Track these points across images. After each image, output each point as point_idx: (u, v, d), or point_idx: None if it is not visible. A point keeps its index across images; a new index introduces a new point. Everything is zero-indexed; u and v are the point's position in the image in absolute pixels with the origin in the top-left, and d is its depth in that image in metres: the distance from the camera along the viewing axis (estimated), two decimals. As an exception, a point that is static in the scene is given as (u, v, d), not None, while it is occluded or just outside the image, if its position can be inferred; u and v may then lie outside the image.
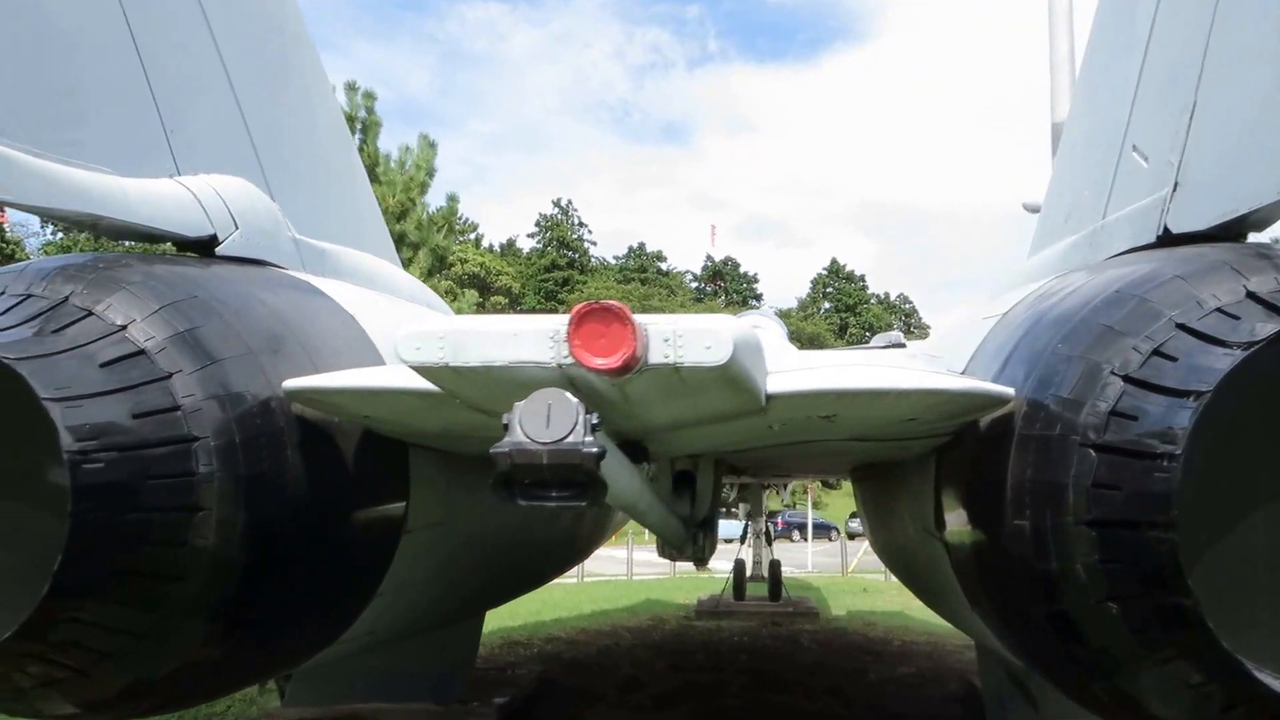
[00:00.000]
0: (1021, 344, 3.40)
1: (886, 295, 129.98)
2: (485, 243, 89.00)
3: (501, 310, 62.65)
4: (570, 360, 2.48)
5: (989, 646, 4.61)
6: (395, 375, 3.17)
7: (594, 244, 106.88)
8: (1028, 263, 5.05)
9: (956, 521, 3.68)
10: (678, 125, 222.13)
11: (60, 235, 77.94)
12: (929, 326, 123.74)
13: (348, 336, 4.05)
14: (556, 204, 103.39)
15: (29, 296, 3.23)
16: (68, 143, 3.46)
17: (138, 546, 3.03)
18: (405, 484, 4.18)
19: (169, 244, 4.10)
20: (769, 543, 18.69)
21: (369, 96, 23.60)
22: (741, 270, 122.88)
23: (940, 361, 4.43)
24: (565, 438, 2.37)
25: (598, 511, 9.32)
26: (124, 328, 3.19)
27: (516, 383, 2.57)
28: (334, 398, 3.29)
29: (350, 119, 22.92)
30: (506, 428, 2.41)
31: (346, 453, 3.71)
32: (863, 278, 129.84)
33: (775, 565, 17.44)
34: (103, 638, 3.07)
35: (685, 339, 2.53)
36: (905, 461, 4.86)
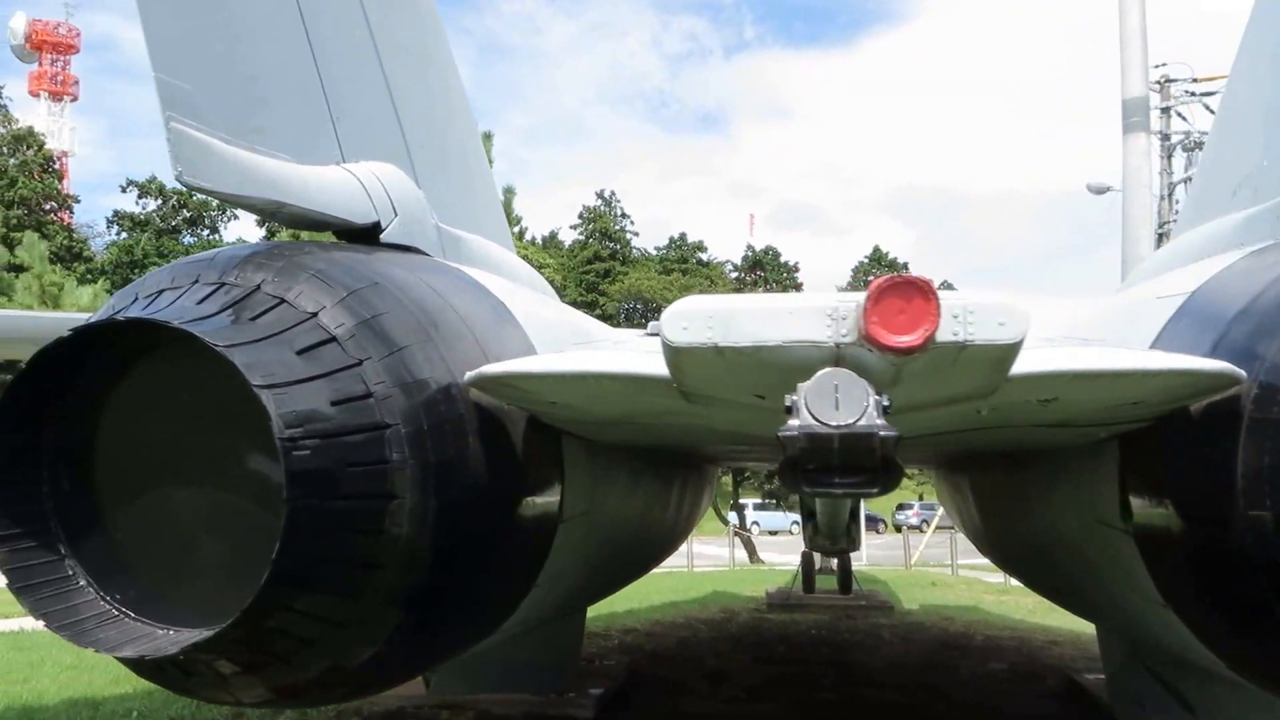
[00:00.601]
0: (1240, 323, 3.23)
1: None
2: (527, 235, 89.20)
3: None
4: (849, 339, 2.39)
5: (1169, 647, 4.44)
6: (594, 360, 3.12)
7: (636, 234, 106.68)
8: (1183, 240, 4.88)
9: (1154, 512, 3.53)
10: (714, 114, 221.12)
11: (124, 235, 79.35)
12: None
13: (504, 323, 4.01)
14: (599, 195, 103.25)
15: (222, 285, 3.22)
16: (252, 130, 3.44)
17: (343, 534, 3.00)
18: (561, 472, 4.15)
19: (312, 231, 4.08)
20: (839, 534, 18.49)
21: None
22: (782, 259, 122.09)
23: (1104, 345, 4.27)
24: (858, 421, 2.28)
25: (695, 499, 9.27)
26: (314, 315, 3.17)
27: (782, 364, 2.49)
28: (529, 384, 3.25)
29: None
30: (790, 410, 2.32)
31: (515, 441, 3.68)
32: (905, 265, 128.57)
33: (845, 558, 17.26)
34: (308, 625, 3.06)
35: (976, 315, 2.42)
36: (1060, 451, 4.72)
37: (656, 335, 7.31)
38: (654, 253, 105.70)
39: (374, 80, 4.34)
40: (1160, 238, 27.27)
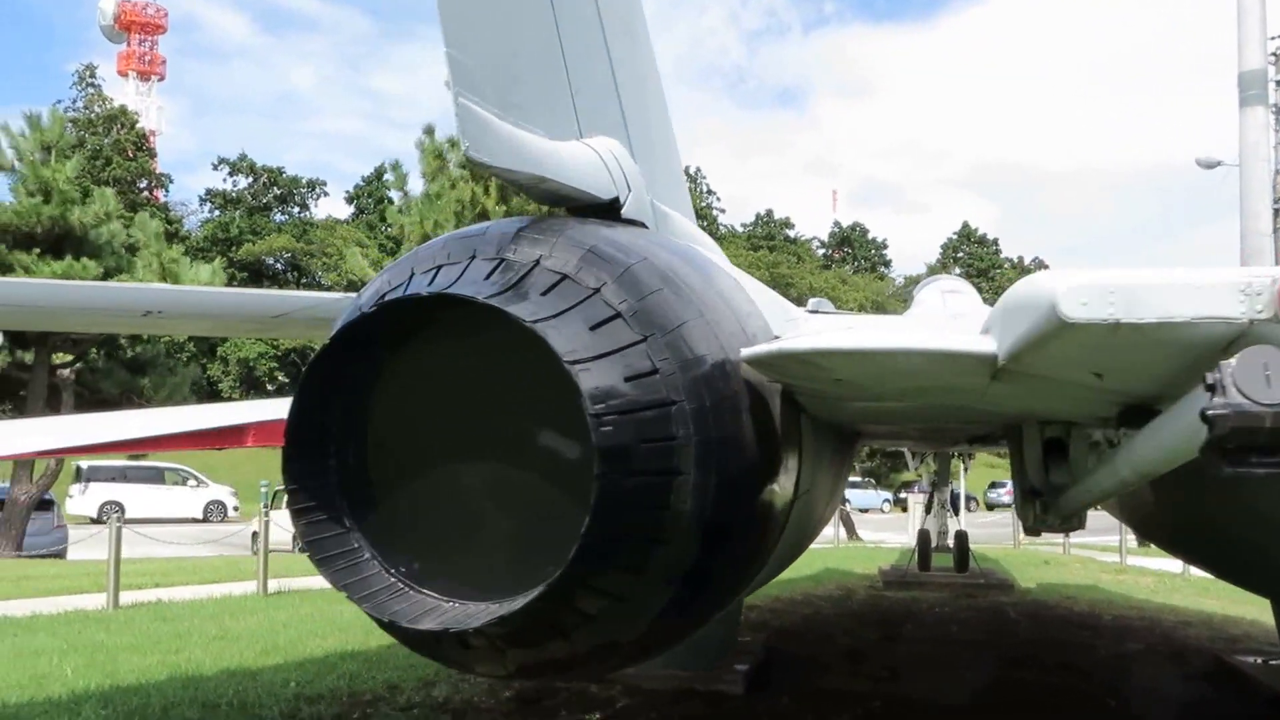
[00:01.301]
0: None
1: (1020, 259, 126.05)
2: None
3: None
4: (1264, 315, 2.28)
5: None
6: (902, 337, 3.05)
7: (722, 211, 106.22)
8: None
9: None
10: (792, 90, 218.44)
11: (217, 213, 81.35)
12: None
13: (746, 300, 3.96)
14: (687, 172, 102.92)
15: (502, 260, 3.20)
16: (514, 106, 3.40)
17: (638, 510, 2.99)
18: (800, 450, 4.11)
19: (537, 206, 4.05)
20: (955, 512, 18.27)
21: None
22: (870, 236, 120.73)
23: None
24: (1289, 399, 2.17)
25: (846, 476, 9.19)
26: (597, 290, 3.14)
27: (1181, 342, 2.40)
28: (830, 360, 3.18)
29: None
30: (1213, 389, 2.23)
31: (775, 417, 3.64)
32: (995, 241, 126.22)
33: (962, 536, 17.04)
34: (595, 600, 3.05)
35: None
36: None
37: (818, 312, 7.20)
38: (741, 230, 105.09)
39: (599, 53, 4.29)
40: (1276, 213, 26.34)
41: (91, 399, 21.79)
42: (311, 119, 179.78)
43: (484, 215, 22.53)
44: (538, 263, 3.19)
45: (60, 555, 22.18)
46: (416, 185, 24.65)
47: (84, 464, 39.69)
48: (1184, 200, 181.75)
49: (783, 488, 3.79)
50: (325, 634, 10.69)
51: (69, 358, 21.51)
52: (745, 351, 3.28)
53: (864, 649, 10.62)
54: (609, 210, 3.93)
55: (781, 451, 3.68)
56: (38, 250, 19.73)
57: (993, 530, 31.66)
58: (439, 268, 3.26)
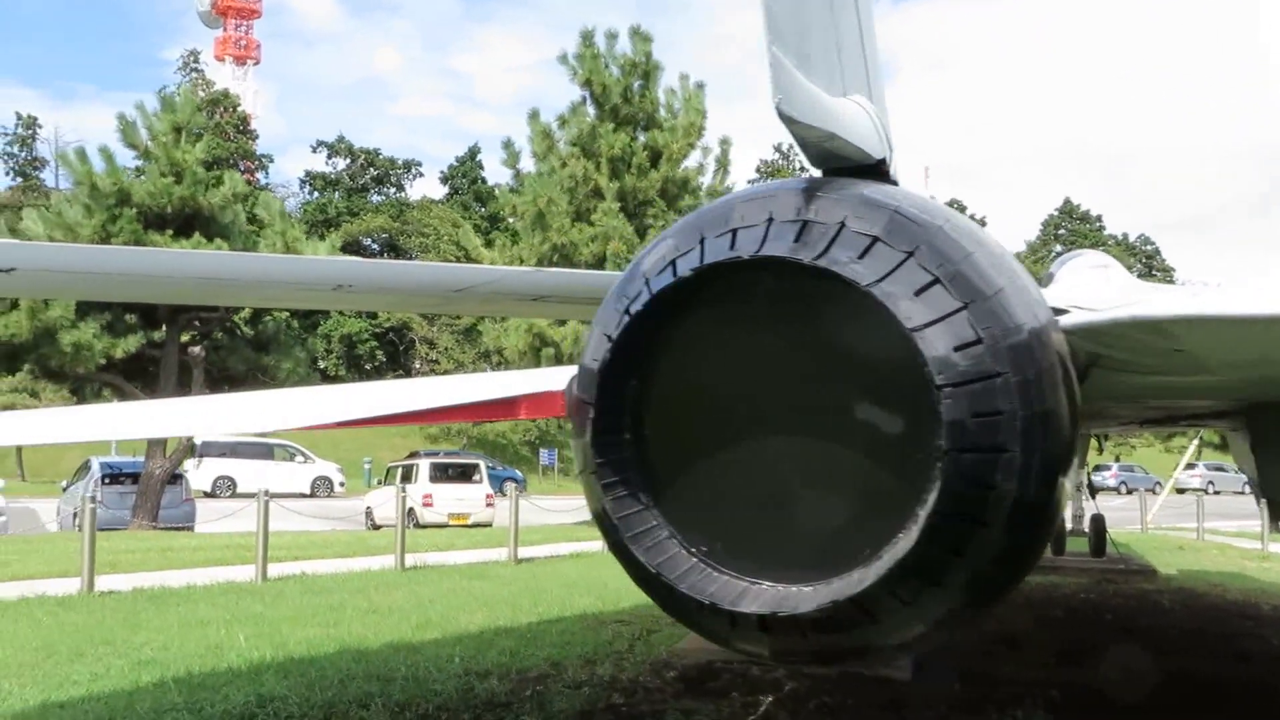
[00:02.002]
0: None
1: (1125, 236, 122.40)
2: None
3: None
4: None
5: None
6: (1254, 302, 2.80)
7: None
8: None
9: None
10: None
11: (317, 194, 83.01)
12: (1173, 269, 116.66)
13: (1022, 267, 3.72)
14: (777, 149, 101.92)
15: (805, 222, 3.01)
16: (805, 56, 3.20)
17: (970, 489, 2.79)
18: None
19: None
20: (1092, 495, 17.70)
21: (646, 40, 23.46)
22: (969, 212, 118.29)
23: None
24: None
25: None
26: (911, 254, 2.93)
27: None
28: (1179, 328, 2.94)
29: (632, 65, 22.93)
30: None
31: (1075, 391, 3.39)
32: (1099, 218, 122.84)
33: (1099, 520, 16.48)
34: (915, 584, 2.86)
35: None
36: None
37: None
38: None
39: (850, 4, 4.06)
40: None
41: (219, 376, 22.34)
42: (395, 101, 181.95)
43: (596, 191, 22.50)
44: (843, 225, 2.99)
45: (189, 528, 22.79)
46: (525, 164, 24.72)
47: (198, 440, 40.85)
48: None
49: (1074, 465, 3.56)
50: (473, 609, 10.73)
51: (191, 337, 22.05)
52: (1075, 318, 3.05)
53: (1020, 636, 10.28)
54: (876, 171, 3.71)
55: (1078, 427, 3.45)
56: (170, 231, 20.23)
57: (1118, 514, 30.79)
58: (733, 231, 3.08)
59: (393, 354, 71.98)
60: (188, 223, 20.64)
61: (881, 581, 2.75)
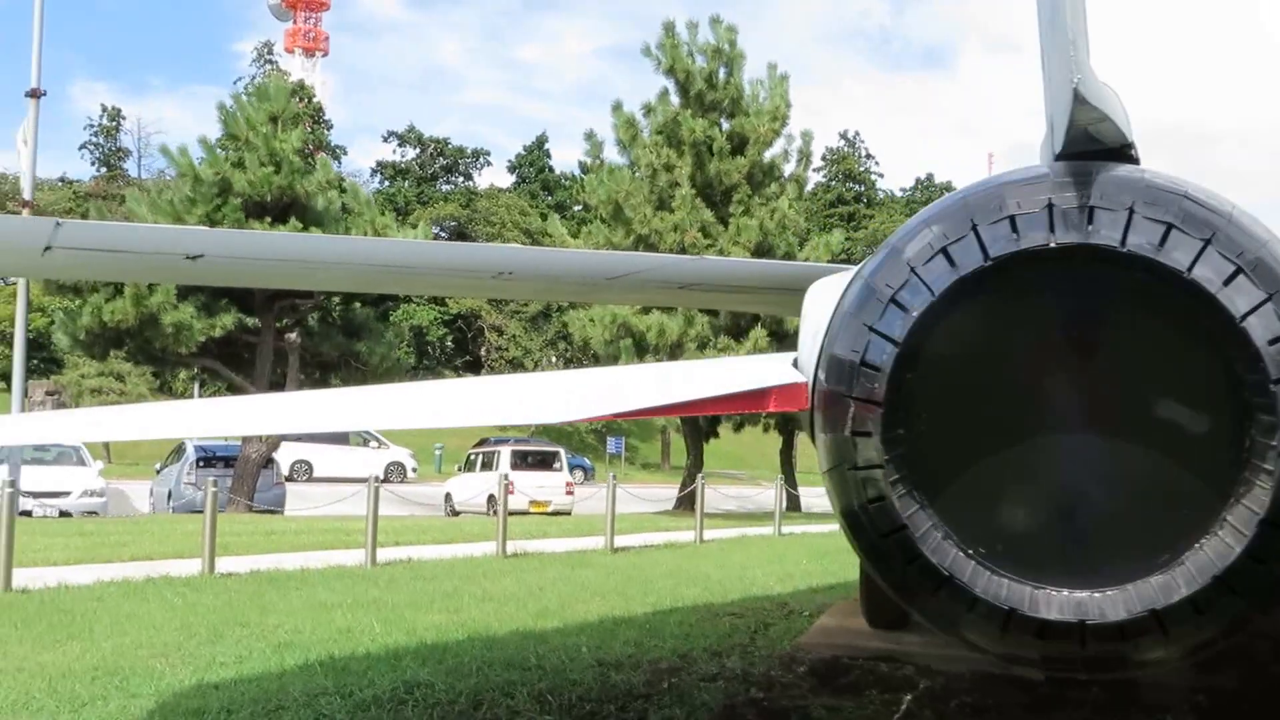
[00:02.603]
0: None
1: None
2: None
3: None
4: None
5: None
6: None
7: (880, 176, 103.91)
8: None
9: None
10: (938, 49, 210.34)
11: (387, 183, 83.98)
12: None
13: None
14: (842, 135, 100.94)
15: (1091, 208, 2.91)
16: (1078, 39, 3.09)
17: None
18: None
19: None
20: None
21: (731, 30, 23.30)
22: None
23: None
24: None
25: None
26: (1208, 242, 2.82)
27: None
28: None
29: (716, 51, 22.79)
30: None
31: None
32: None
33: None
34: (1219, 590, 2.75)
35: None
36: None
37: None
38: (899, 194, 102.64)
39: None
40: None
41: (312, 362, 22.64)
42: (457, 91, 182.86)
43: (678, 180, 22.42)
44: (1132, 210, 2.88)
45: (279, 511, 23.15)
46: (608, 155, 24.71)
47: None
48: None
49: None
50: (586, 598, 10.72)
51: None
52: None
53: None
54: (1125, 155, 3.58)
55: None
56: (268, 219, 20.53)
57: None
58: (1010, 218, 2.98)
59: (460, 341, 72.52)
60: (285, 211, 20.94)
61: (1194, 588, 2.65)
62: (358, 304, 23.75)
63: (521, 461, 26.68)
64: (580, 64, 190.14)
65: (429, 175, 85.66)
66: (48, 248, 4.75)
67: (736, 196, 22.51)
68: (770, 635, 9.25)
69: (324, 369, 23.31)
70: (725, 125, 22.93)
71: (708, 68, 22.36)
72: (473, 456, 29.27)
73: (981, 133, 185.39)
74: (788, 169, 23.47)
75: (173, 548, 14.02)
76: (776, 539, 18.51)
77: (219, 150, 20.51)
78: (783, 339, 21.58)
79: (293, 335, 21.72)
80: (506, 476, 15.81)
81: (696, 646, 8.54)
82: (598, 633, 8.97)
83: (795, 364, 4.17)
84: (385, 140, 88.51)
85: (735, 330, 21.93)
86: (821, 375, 3.30)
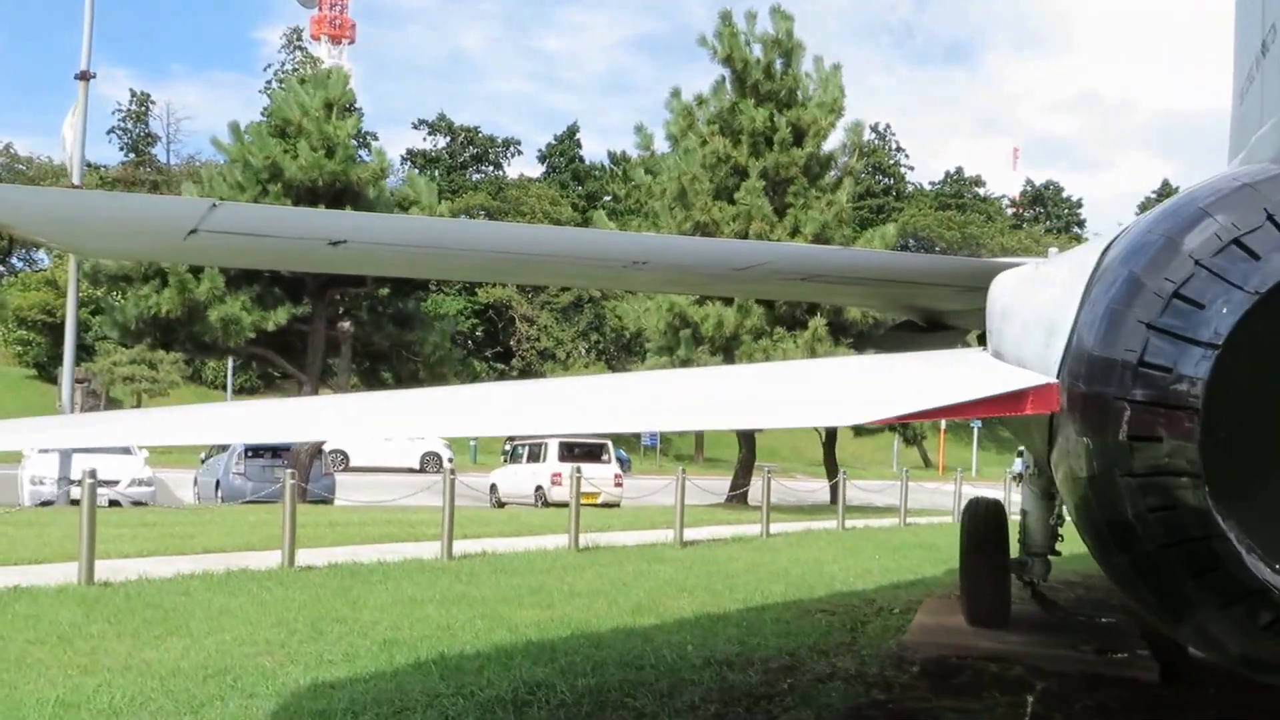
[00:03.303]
0: None
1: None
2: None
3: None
4: None
5: None
6: None
7: (910, 169, 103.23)
8: None
9: None
10: (963, 44, 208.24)
11: (418, 171, 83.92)
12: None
13: None
14: (874, 129, 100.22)
15: None
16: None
17: None
18: None
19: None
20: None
21: (786, 18, 22.98)
22: (1064, 195, 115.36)
23: None
24: None
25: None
26: None
27: None
28: None
29: (775, 42, 22.51)
30: None
31: None
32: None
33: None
34: None
35: None
36: None
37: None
38: (928, 188, 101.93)
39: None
40: None
41: (363, 352, 22.53)
42: (481, 81, 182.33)
43: (737, 169, 22.18)
44: None
45: (330, 500, 23.07)
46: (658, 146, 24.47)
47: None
48: None
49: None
50: (674, 594, 10.54)
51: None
52: None
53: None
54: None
55: None
56: (321, 205, 20.38)
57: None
58: None
59: (490, 332, 72.45)
60: (338, 197, 20.80)
61: None
62: (410, 296, 23.62)
63: (569, 453, 26.49)
64: (605, 55, 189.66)
65: (459, 164, 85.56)
66: (193, 231, 4.58)
67: (793, 188, 22.22)
68: (869, 633, 9.05)
69: (375, 359, 23.19)
70: (781, 117, 22.62)
71: (765, 58, 22.06)
72: (518, 448, 29.12)
73: (1004, 128, 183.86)
74: (842, 161, 23.16)
75: (241, 539, 13.93)
76: (842, 533, 18.28)
77: (270, 137, 20.37)
78: (841, 330, 21.38)
79: (346, 325, 21.60)
80: (578, 469, 15.61)
81: (801, 645, 8.36)
82: (697, 630, 8.78)
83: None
84: (415, 128, 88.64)
85: (791, 321, 21.65)
86: (1078, 376, 3.08)
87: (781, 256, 6.34)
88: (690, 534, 16.02)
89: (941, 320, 10.77)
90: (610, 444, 28.18)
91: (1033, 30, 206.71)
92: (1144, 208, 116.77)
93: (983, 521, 9.26)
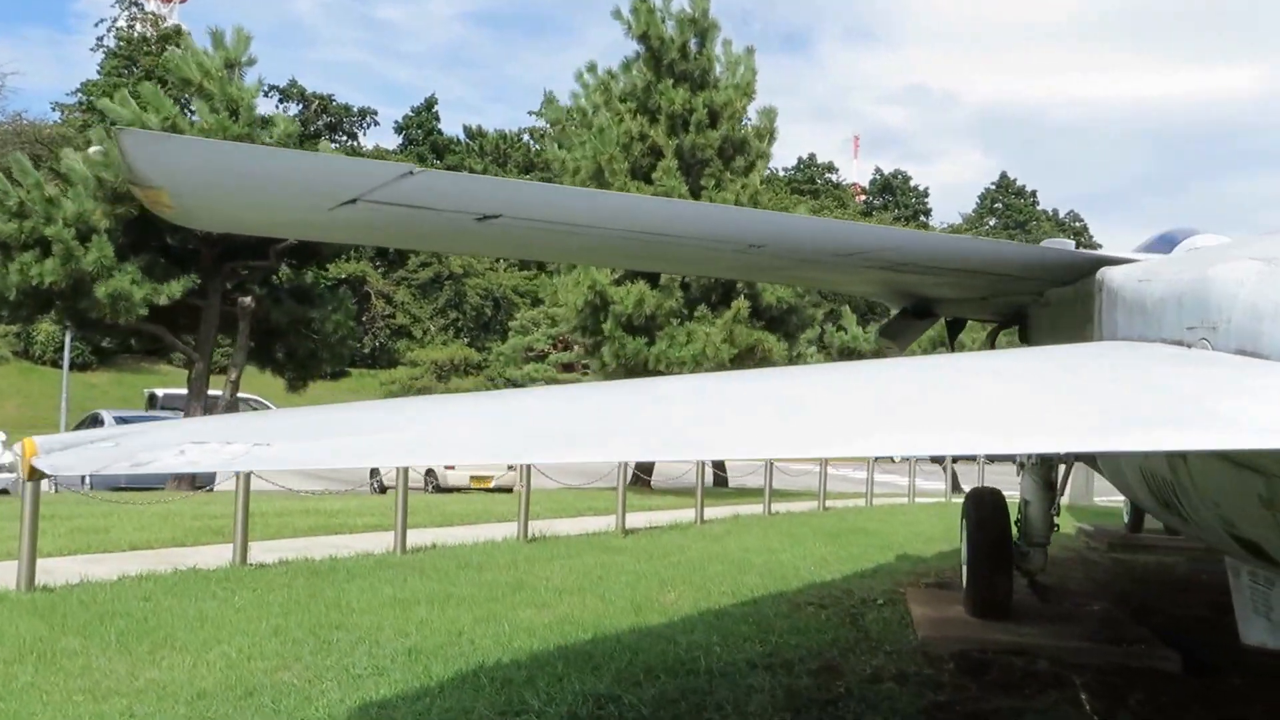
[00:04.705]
0: None
1: (1055, 212, 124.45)
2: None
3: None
4: None
5: None
6: None
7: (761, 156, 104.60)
8: None
9: None
10: (799, 34, 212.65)
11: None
12: (1100, 245, 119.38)
13: None
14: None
15: None
16: None
17: None
18: None
19: None
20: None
21: (702, -1, 22.65)
22: (912, 184, 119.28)
23: None
24: None
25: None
26: None
27: None
28: None
29: (691, 21, 22.16)
30: None
31: None
32: (1034, 193, 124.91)
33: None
34: None
35: None
36: None
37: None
38: (782, 174, 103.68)
39: None
40: None
41: (259, 329, 21.18)
42: (313, 48, 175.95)
43: (654, 147, 21.78)
44: None
45: (210, 487, 21.61)
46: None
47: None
48: (1190, 154, 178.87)
49: None
50: (660, 590, 10.16)
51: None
52: None
53: (1186, 616, 10.08)
54: None
55: None
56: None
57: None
58: None
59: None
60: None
61: None
62: (308, 270, 22.30)
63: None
64: (445, 28, 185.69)
65: (312, 133, 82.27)
66: (352, 200, 3.97)
67: (709, 170, 21.96)
68: (873, 627, 8.88)
69: (271, 335, 21.84)
70: (695, 97, 22.27)
71: (680, 37, 21.67)
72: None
73: (841, 116, 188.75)
74: (755, 144, 23.00)
75: (165, 534, 12.82)
76: (772, 519, 18.18)
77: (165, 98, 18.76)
78: (756, 314, 21.21)
79: (246, 300, 20.24)
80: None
81: (819, 643, 8.15)
82: (711, 629, 8.43)
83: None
84: (266, 95, 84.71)
85: (713, 301, 21.37)
86: None
87: (886, 243, 6.01)
88: (633, 521, 15.60)
89: (933, 309, 10.73)
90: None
91: (864, 23, 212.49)
92: (983, 198, 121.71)
93: (989, 513, 9.23)
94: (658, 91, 21.49)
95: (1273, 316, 3.81)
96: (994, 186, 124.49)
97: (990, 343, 10.05)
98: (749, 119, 23.25)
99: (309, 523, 14.41)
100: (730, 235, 5.35)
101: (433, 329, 69.41)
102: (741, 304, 20.43)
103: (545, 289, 23.61)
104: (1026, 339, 9.47)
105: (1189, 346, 4.16)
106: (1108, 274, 5.74)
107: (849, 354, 39.98)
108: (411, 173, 3.62)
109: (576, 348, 23.46)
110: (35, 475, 2.53)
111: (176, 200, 3.85)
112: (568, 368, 61.15)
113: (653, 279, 20.09)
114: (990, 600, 9.10)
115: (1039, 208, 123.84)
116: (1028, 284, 6.84)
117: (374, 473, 28.04)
